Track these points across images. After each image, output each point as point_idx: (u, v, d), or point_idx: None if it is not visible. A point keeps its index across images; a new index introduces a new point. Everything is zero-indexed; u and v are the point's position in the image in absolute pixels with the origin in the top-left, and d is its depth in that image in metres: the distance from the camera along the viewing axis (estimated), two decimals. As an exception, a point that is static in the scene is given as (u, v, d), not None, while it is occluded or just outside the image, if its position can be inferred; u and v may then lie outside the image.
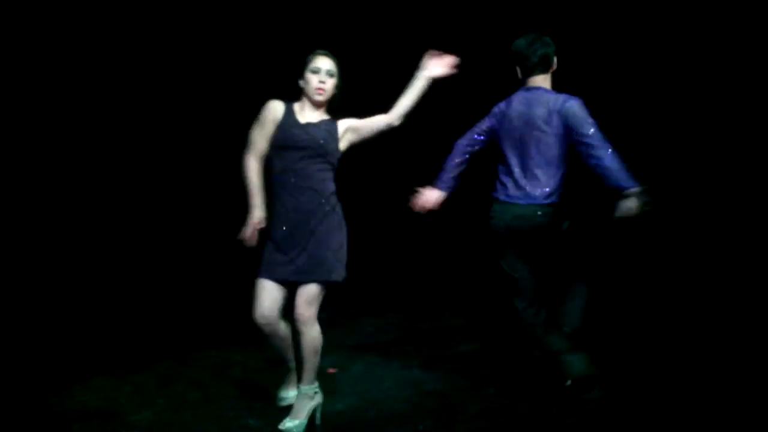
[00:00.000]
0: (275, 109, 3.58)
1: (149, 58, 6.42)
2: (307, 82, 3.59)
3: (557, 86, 3.90)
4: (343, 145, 3.63)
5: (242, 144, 3.61)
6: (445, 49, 3.64)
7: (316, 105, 3.62)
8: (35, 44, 6.04)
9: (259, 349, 4.22)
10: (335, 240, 3.53)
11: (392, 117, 3.63)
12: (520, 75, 3.91)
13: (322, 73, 3.58)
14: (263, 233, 3.55)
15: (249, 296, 3.54)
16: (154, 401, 4.03)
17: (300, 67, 3.63)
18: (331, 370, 4.36)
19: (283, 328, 3.62)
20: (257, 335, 3.58)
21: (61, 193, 6.33)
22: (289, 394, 3.82)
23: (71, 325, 5.48)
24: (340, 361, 4.63)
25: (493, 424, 3.61)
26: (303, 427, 3.55)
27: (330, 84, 3.60)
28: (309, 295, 3.49)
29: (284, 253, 3.50)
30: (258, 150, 3.57)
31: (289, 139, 3.51)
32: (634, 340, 4.90)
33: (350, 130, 3.65)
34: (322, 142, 3.53)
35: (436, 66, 3.60)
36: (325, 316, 3.62)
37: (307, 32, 6.03)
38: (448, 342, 5.06)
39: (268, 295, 3.52)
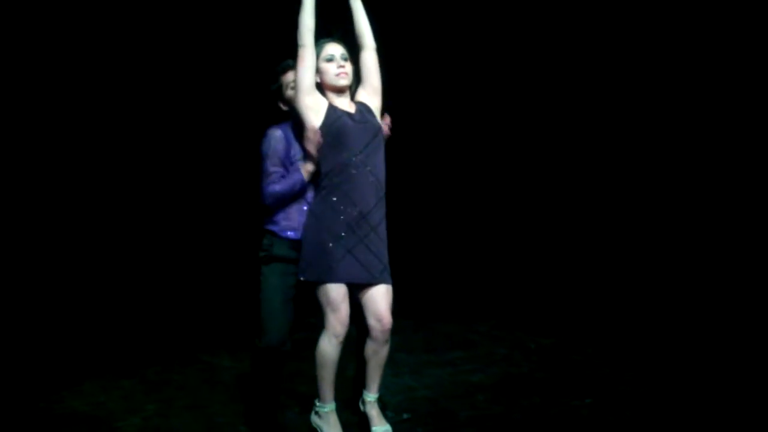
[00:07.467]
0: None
1: (149, 59, 6.39)
2: (324, 73, 3.40)
3: (557, 85, 3.82)
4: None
5: (243, 145, 3.42)
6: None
7: (341, 91, 3.41)
8: (35, 44, 6.02)
9: (249, 355, 4.20)
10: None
11: (370, 45, 3.46)
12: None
13: (337, 59, 3.40)
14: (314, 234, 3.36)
15: (238, 301, 3.48)
16: (142, 407, 4.01)
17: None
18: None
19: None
20: (247, 340, 3.51)
21: (48, 198, 6.29)
22: None
23: (60, 329, 5.44)
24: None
25: (483, 431, 3.60)
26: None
27: (349, 67, 3.43)
28: (390, 298, 3.48)
29: (349, 251, 3.40)
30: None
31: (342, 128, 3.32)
32: (628, 344, 4.89)
33: (373, 95, 3.48)
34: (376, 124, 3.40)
35: None
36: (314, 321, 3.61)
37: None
38: (438, 349, 5.04)
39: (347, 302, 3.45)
